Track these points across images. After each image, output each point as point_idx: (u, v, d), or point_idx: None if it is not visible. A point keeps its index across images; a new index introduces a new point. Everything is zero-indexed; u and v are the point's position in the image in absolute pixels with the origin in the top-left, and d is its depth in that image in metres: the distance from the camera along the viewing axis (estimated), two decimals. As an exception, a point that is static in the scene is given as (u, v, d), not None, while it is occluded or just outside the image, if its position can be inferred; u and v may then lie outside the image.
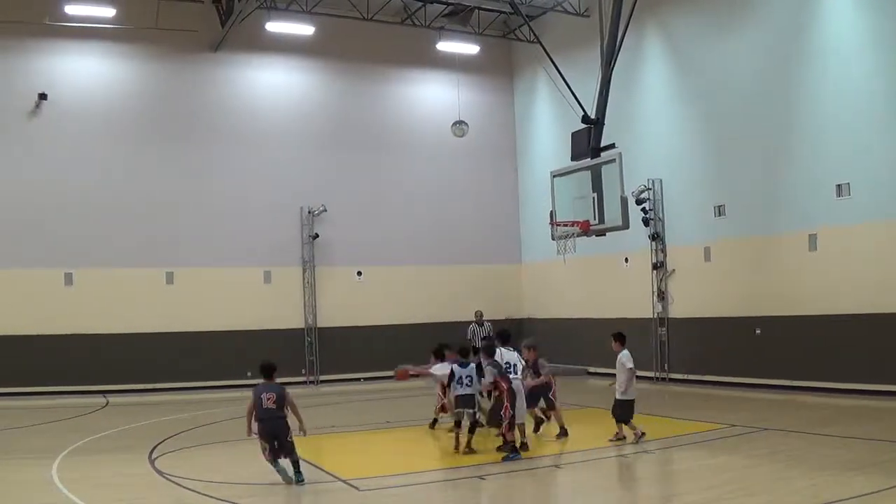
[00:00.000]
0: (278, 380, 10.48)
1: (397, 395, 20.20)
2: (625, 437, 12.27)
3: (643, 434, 12.21)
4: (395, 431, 15.12)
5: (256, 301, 23.84)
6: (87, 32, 22.82)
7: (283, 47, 24.46)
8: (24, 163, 22.25)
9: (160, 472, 11.23)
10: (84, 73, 23.12)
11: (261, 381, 10.39)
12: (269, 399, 10.08)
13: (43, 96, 22.28)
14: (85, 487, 10.22)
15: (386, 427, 15.52)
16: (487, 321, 20.77)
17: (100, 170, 22.82)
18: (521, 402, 12.10)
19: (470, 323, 22.94)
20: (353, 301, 24.78)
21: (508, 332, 14.54)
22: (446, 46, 25.42)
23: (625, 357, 12.32)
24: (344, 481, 10.38)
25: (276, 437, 9.98)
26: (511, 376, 12.04)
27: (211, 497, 9.62)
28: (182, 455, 12.75)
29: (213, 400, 20.19)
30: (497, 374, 11.73)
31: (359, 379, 24.02)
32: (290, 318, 24.16)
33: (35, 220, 22.15)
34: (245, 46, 24.03)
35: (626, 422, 12.26)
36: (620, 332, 12.65)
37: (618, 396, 12.30)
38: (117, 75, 23.42)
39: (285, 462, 10.09)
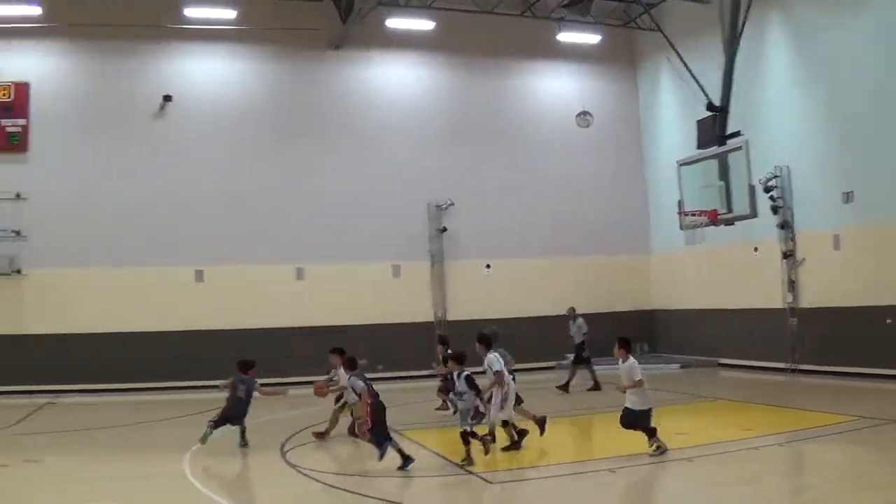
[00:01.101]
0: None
1: (528, 388, 20.65)
2: (666, 449, 11.28)
3: (664, 447, 11.31)
4: (525, 424, 15.67)
5: (385, 295, 25.01)
6: (209, 34, 24.46)
7: (403, 43, 25.55)
8: (151, 163, 23.99)
9: (291, 465, 11.97)
10: (207, 74, 24.78)
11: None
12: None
13: (168, 98, 24.01)
14: (217, 481, 11.26)
15: (512, 419, 16.17)
16: (581, 316, 21.00)
17: (225, 169, 24.36)
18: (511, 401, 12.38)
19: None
20: (481, 294, 25.65)
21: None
22: (567, 37, 26.08)
23: (635, 367, 11.32)
24: (475, 474, 10.78)
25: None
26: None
27: (341, 489, 10.38)
28: (309, 449, 13.37)
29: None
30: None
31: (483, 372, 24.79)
32: (419, 311, 25.27)
33: (165, 220, 23.90)
34: (366, 43, 25.21)
35: (653, 432, 11.31)
36: (625, 338, 11.68)
37: (635, 407, 11.30)
38: (240, 75, 25.00)
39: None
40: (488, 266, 25.98)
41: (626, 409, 11.37)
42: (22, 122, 23.72)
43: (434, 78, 26.35)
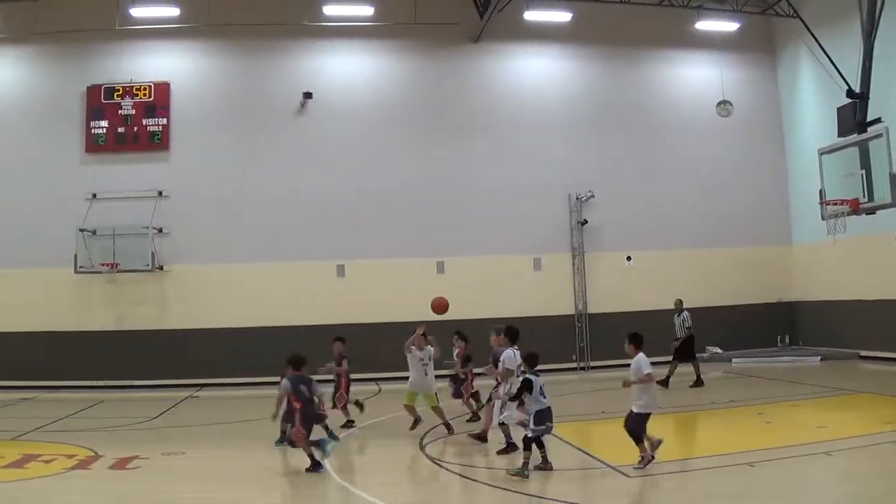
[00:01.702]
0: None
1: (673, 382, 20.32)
2: (653, 458, 10.57)
3: (652, 458, 10.58)
4: (665, 417, 15.15)
5: (526, 288, 24.99)
6: (347, 31, 24.94)
7: (541, 35, 25.58)
8: (291, 160, 24.53)
9: (431, 459, 12.07)
10: (346, 70, 25.24)
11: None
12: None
13: (308, 95, 24.53)
14: (357, 473, 11.48)
15: (656, 413, 16.02)
16: (686, 310, 20.42)
17: (365, 164, 24.70)
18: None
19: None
20: (622, 286, 25.50)
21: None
22: (705, 25, 26.00)
23: (643, 362, 10.75)
24: (613, 467, 10.69)
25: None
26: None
27: (478, 482, 10.51)
28: (446, 442, 13.46)
29: (482, 387, 21.14)
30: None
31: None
32: (560, 304, 25.16)
33: (307, 215, 24.35)
34: (504, 36, 25.35)
35: (640, 439, 10.62)
36: (637, 334, 11.08)
37: (635, 410, 10.71)
38: (379, 71, 25.40)
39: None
40: (629, 258, 25.79)
41: (633, 412, 10.65)
42: (163, 121, 24.46)
43: (572, 69, 26.38)
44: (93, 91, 24.55)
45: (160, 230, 23.95)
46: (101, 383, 23.06)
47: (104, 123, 24.41)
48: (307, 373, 12.06)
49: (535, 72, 26.09)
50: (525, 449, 10.48)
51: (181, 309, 24.08)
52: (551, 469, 10.47)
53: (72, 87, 24.61)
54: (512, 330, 12.62)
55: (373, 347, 21.81)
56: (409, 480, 11.46)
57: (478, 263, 24.71)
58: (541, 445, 10.61)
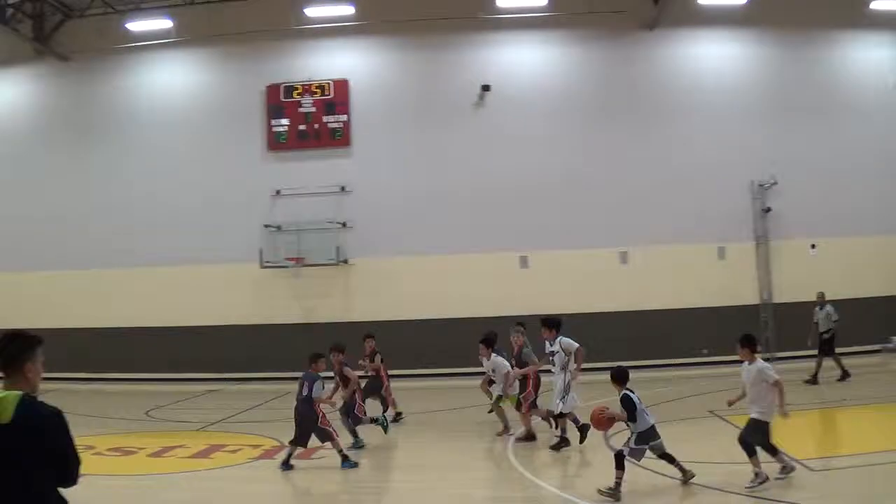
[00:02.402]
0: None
1: (864, 372, 19.86)
2: (767, 478, 9.76)
3: (767, 478, 9.71)
4: (851, 411, 15.35)
5: (710, 277, 24.92)
6: (522, 22, 25.26)
7: (716, 20, 25.38)
8: (470, 152, 25.04)
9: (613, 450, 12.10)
10: (522, 61, 25.57)
11: None
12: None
13: (486, 88, 25.10)
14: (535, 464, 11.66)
15: (842, 405, 15.83)
16: (829, 303, 20.08)
17: (543, 154, 24.92)
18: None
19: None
20: (806, 275, 25.28)
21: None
22: (880, 4, 25.93)
23: (766, 368, 9.99)
24: (797, 461, 10.55)
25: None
26: None
27: (657, 473, 10.50)
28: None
29: (662, 378, 21.14)
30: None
31: (814, 356, 24.47)
32: (743, 294, 25.19)
33: (489, 206, 24.74)
34: (679, 22, 25.26)
35: (754, 451, 9.87)
36: (749, 335, 10.33)
37: (762, 419, 9.93)
38: (554, 62, 25.65)
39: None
40: (813, 246, 25.74)
41: (753, 419, 9.93)
42: (343, 117, 25.30)
43: (747, 53, 26.24)
44: (272, 90, 25.53)
45: (344, 224, 24.73)
46: (286, 375, 23.75)
47: (285, 121, 25.36)
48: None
49: (710, 57, 26.05)
50: (617, 467, 9.73)
51: (366, 301, 24.80)
52: (619, 500, 9.58)
53: (251, 86, 25.68)
54: (555, 320, 13.52)
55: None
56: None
57: (660, 252, 24.78)
58: (621, 466, 9.77)
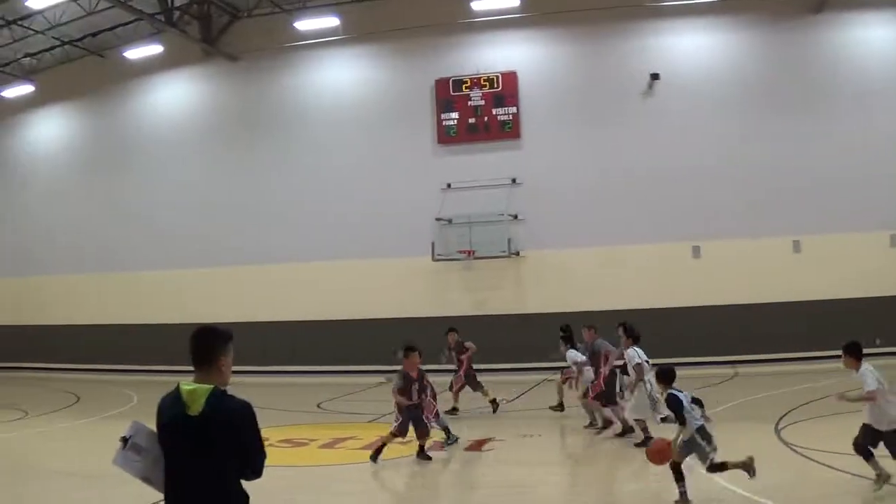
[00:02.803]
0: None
1: None
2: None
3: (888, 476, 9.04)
4: None
5: (883, 266, 24.30)
6: (688, 9, 25.23)
7: (886, 1, 25.03)
8: (639, 142, 24.99)
9: (786, 444, 12.12)
10: (689, 49, 25.45)
11: None
12: None
13: (655, 76, 25.03)
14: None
15: None
16: None
17: (713, 143, 24.76)
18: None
19: None
20: None
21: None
22: None
23: (865, 376, 9.21)
24: None
25: None
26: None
27: (831, 468, 10.32)
28: (804, 427, 13.39)
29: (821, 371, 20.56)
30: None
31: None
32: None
33: (660, 196, 24.72)
34: (846, 5, 24.95)
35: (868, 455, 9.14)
36: (854, 342, 9.44)
37: (877, 427, 9.13)
38: (721, 48, 25.36)
39: None
40: None
41: (864, 425, 9.23)
42: (512, 109, 25.64)
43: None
44: (441, 84, 26.01)
45: (515, 217, 25.03)
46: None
47: (454, 115, 25.82)
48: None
49: (879, 40, 25.75)
50: (677, 479, 9.13)
51: (537, 293, 25.11)
52: None
53: (420, 81, 26.21)
54: (632, 329, 13.14)
55: (723, 331, 23.02)
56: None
57: (834, 242, 24.30)
58: (680, 477, 9.13)
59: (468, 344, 17.20)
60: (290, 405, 19.15)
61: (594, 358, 14.01)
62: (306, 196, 26.87)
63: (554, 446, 14.56)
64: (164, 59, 28.35)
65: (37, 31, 27.93)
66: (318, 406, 19.10)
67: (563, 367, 16.15)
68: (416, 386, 12.39)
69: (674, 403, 9.19)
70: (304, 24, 26.14)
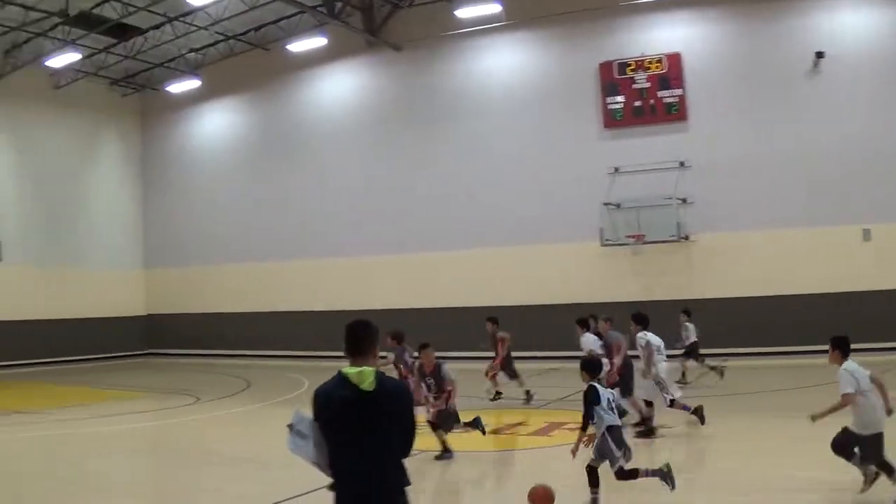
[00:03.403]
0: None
1: None
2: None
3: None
4: None
5: None
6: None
7: None
8: (809, 122, 24.51)
9: None
10: (855, 26, 24.81)
11: None
12: None
13: (819, 54, 24.49)
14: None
15: None
16: None
17: (882, 122, 24.17)
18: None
19: None
20: None
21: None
22: None
23: (841, 376, 8.78)
24: None
25: None
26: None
27: None
28: None
29: None
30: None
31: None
32: None
33: (826, 178, 24.23)
34: None
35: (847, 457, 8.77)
36: (840, 337, 8.95)
37: (853, 429, 8.72)
38: (888, 25, 24.55)
39: None
40: None
41: (844, 428, 8.82)
42: (678, 91, 25.67)
43: None
44: (605, 67, 26.25)
45: (684, 200, 25.11)
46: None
47: (620, 98, 26.05)
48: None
49: None
50: (591, 484, 8.85)
51: (706, 278, 25.14)
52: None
53: (584, 65, 26.50)
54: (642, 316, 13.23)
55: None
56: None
57: None
58: (595, 482, 8.83)
59: (501, 334, 17.69)
60: (463, 391, 19.67)
61: (608, 349, 14.03)
62: (471, 183, 27.58)
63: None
64: (328, 51, 29.42)
65: (200, 27, 29.28)
66: (486, 391, 19.17)
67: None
68: (430, 381, 12.45)
69: (590, 395, 8.85)
70: (466, 12, 26.70)
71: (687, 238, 25.11)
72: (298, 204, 31.03)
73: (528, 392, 17.38)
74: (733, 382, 18.71)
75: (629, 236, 24.96)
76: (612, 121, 26.04)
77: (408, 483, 4.78)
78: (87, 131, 34.30)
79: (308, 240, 30.75)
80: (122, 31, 28.99)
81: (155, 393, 23.07)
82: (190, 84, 32.96)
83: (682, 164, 25.31)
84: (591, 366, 9.23)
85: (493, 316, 18.49)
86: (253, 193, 32.31)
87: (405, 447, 4.83)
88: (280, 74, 31.41)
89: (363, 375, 4.64)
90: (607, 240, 25.24)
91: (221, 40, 30.91)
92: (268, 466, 11.97)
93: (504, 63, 27.64)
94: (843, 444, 8.70)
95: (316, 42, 28.68)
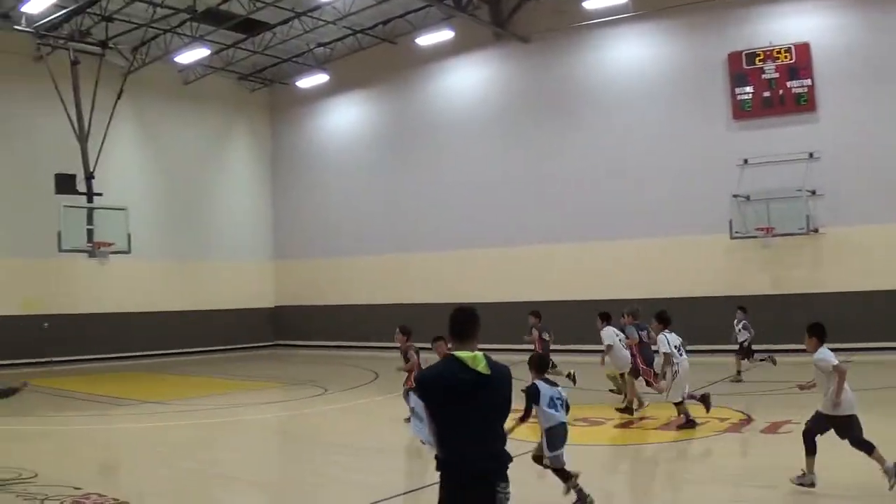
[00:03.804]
0: None
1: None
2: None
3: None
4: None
5: None
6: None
7: None
8: None
9: None
10: None
11: None
12: None
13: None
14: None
15: None
16: None
17: None
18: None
19: None
20: None
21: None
22: None
23: (817, 360, 9.26)
24: None
25: None
26: None
27: None
28: None
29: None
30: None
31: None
32: None
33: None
34: None
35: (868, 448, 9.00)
36: (815, 324, 9.46)
37: (824, 411, 9.17)
38: None
39: None
40: None
41: (816, 412, 9.25)
42: (807, 82, 25.54)
43: None
44: (734, 57, 26.29)
45: (813, 192, 25.00)
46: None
47: (749, 89, 26.09)
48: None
49: None
50: (564, 480, 9.05)
51: (836, 272, 24.93)
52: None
53: (712, 56, 26.57)
54: (663, 315, 13.62)
55: None
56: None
57: None
58: (566, 476, 9.02)
59: (532, 333, 18.38)
60: (590, 384, 19.78)
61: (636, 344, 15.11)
62: (599, 175, 27.96)
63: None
64: (455, 44, 30.18)
65: (328, 22, 30.30)
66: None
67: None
68: None
69: (530, 392, 9.01)
70: (593, 3, 27.12)
71: (816, 231, 24.98)
72: (425, 196, 31.91)
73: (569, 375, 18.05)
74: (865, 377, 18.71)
75: (759, 229, 24.93)
76: (741, 112, 26.11)
77: (511, 459, 5.11)
78: (216, 126, 35.79)
79: (434, 232, 31.63)
80: (249, 27, 30.18)
81: (283, 384, 24.00)
82: (318, 78, 34.14)
83: (811, 155, 25.23)
84: (537, 363, 9.41)
85: (537, 310, 19.29)
86: (380, 186, 33.33)
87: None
88: (407, 68, 32.32)
89: (476, 360, 4.96)
90: (737, 232, 25.25)
91: (349, 35, 31.88)
92: (392, 456, 12.68)
93: (631, 54, 27.92)
94: (814, 431, 9.22)
95: (443, 35, 29.40)
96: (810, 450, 9.10)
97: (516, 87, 29.79)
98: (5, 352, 27.17)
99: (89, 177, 26.51)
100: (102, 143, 27.12)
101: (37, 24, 25.73)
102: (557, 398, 9.00)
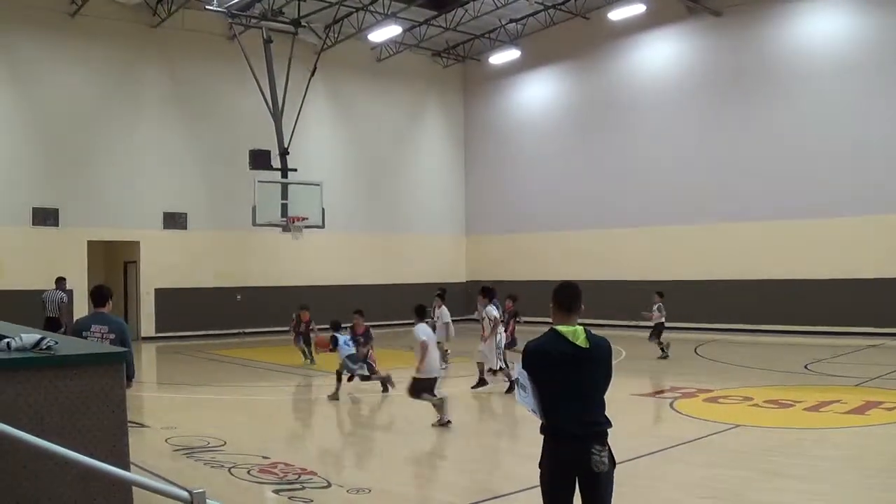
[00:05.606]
0: None
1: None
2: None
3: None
4: None
5: None
6: None
7: None
8: None
9: None
10: None
11: None
12: None
13: None
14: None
15: None
16: None
17: None
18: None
19: None
20: None
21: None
22: None
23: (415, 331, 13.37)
24: None
25: None
26: None
27: None
28: None
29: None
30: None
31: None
32: None
33: None
34: None
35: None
36: (485, 287, 16.96)
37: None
38: None
39: None
40: None
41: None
42: None
43: None
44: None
45: None
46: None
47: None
48: None
49: None
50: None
51: None
52: None
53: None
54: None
55: None
56: None
57: None
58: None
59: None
60: (778, 365, 19.93)
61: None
62: (787, 151, 27.69)
63: None
64: (647, 18, 30.59)
65: (520, -1, 31.17)
66: (806, 367, 19.55)
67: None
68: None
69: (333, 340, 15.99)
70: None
71: None
72: (614, 173, 32.47)
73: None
74: None
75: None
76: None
77: (611, 424, 5.52)
78: (409, 102, 37.38)
79: (620, 208, 32.23)
80: (441, 4, 31.30)
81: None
82: (510, 54, 35.25)
83: None
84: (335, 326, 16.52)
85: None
86: (571, 161, 34.01)
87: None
88: (599, 43, 32.90)
89: (577, 334, 5.40)
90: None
91: (541, 10, 32.61)
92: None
93: (828, 27, 27.23)
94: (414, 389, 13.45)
95: (635, 9, 29.85)
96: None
97: (710, 61, 29.80)
98: (201, 322, 29.72)
99: (284, 153, 27.68)
100: (297, 120, 28.50)
101: (229, 3, 27.58)
102: (347, 342, 16.56)
